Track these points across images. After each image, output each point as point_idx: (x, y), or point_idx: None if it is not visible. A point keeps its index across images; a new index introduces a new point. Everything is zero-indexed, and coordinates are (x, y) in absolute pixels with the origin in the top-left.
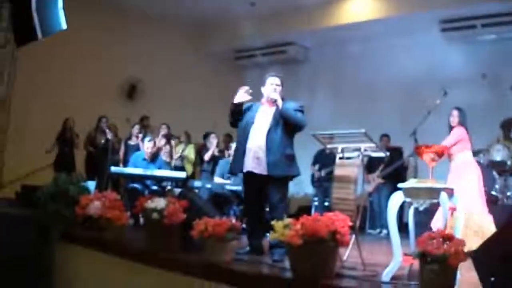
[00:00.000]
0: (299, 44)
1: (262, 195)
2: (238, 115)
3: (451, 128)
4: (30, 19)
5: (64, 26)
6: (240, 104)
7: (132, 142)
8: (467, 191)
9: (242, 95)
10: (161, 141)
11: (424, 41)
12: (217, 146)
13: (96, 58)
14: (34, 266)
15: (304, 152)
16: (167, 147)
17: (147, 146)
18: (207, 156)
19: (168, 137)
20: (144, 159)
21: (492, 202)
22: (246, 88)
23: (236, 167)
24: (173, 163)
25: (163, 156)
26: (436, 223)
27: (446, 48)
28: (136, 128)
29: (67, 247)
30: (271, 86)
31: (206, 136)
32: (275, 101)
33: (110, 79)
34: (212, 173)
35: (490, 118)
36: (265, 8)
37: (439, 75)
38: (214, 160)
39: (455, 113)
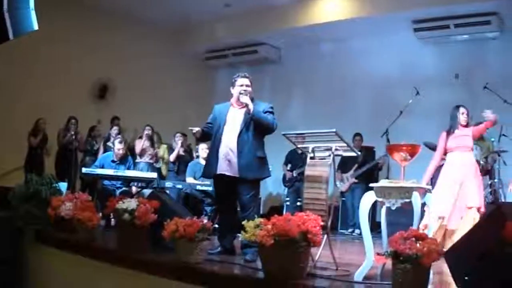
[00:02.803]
0: (270, 44)
1: (233, 196)
2: (206, 139)
3: (450, 127)
4: (1, 20)
5: (35, 26)
6: (202, 134)
7: (110, 143)
8: (481, 192)
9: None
10: (145, 142)
11: (397, 41)
12: (182, 145)
13: (68, 58)
14: (7, 268)
15: (276, 151)
16: (152, 149)
17: (118, 147)
18: (172, 157)
19: (152, 139)
20: (113, 161)
21: None
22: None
23: (210, 171)
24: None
25: (147, 157)
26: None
27: (419, 48)
28: (114, 130)
29: (39, 248)
30: (240, 88)
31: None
32: (246, 105)
33: (81, 79)
34: (178, 173)
35: None
36: (236, 9)
37: (412, 75)
38: (179, 160)
39: (466, 111)
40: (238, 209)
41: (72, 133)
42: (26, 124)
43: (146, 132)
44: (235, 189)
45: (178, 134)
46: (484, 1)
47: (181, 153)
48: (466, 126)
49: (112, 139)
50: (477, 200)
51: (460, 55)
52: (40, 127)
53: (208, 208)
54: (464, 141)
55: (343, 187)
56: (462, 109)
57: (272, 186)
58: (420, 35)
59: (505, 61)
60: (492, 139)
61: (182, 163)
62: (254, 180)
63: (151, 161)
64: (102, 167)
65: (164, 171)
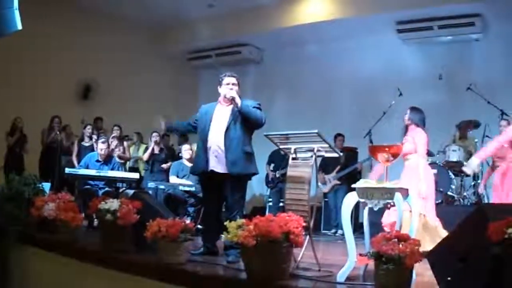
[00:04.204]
0: (253, 45)
1: (220, 194)
2: (179, 132)
3: (406, 127)
4: None
5: (19, 26)
6: (170, 130)
7: (85, 143)
8: (428, 194)
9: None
10: (113, 143)
11: (381, 42)
12: (158, 144)
13: (51, 58)
14: None
15: (259, 151)
16: (121, 148)
17: (100, 148)
18: (145, 156)
19: (121, 139)
20: (97, 161)
21: (448, 203)
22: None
23: (198, 168)
24: (128, 164)
25: (116, 157)
26: (388, 219)
27: (402, 49)
28: (88, 129)
29: (22, 249)
30: (227, 86)
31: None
32: (233, 99)
33: (65, 80)
34: (152, 172)
35: (446, 118)
36: (219, 9)
37: (396, 76)
38: (153, 159)
39: (408, 111)
40: (223, 210)
41: (57, 132)
42: (7, 124)
43: (113, 133)
44: (223, 187)
45: (154, 134)
46: (468, 2)
47: (156, 151)
48: (411, 127)
49: (86, 138)
50: (433, 209)
51: (443, 56)
52: (17, 126)
53: (191, 209)
54: (404, 148)
55: (325, 189)
56: (407, 111)
57: (255, 186)
58: (404, 36)
59: (489, 62)
60: (476, 140)
61: (156, 163)
62: (241, 176)
63: (120, 161)
64: (87, 167)
65: (143, 172)
